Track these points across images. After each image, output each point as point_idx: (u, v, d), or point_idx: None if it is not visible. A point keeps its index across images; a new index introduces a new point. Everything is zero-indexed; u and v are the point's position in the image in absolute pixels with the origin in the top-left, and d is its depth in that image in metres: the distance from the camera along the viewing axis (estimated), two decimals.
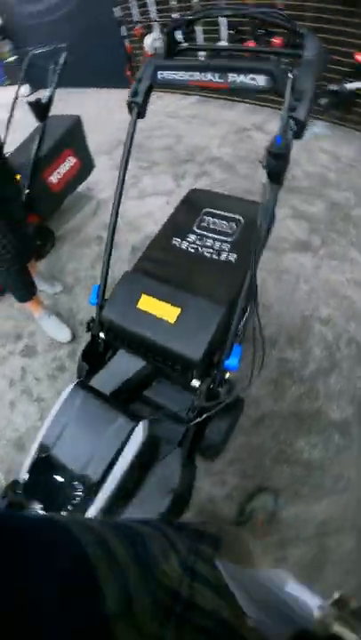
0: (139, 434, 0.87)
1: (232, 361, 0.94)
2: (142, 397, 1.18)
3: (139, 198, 2.46)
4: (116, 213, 1.11)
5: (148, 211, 2.33)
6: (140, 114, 1.08)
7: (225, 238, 1.22)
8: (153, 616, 0.30)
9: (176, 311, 0.99)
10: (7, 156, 2.01)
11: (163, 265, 1.18)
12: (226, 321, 0.96)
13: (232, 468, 1.27)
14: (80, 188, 2.44)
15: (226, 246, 1.20)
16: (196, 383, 0.99)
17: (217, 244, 1.21)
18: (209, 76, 0.92)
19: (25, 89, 4.31)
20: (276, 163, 0.81)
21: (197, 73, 0.93)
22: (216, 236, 1.23)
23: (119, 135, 3.02)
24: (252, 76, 0.86)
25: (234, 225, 1.26)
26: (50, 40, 1.90)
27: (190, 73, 0.95)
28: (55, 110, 1.99)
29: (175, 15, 2.85)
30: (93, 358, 1.21)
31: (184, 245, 1.23)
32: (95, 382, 1.13)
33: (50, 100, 1.79)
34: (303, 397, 1.36)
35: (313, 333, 1.53)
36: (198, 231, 1.26)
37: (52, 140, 1.97)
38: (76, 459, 0.88)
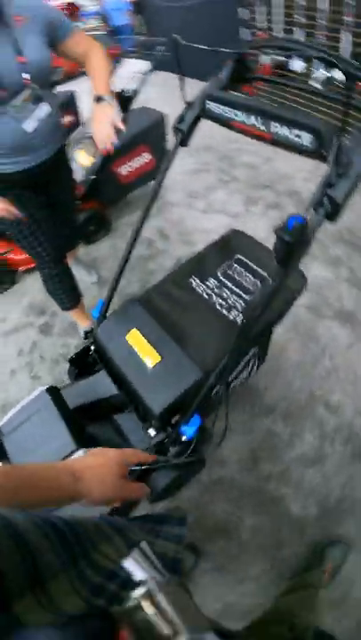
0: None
1: (188, 430, 0.97)
2: (112, 420, 1.27)
3: (204, 212, 2.52)
4: (133, 240, 1.15)
5: (208, 228, 2.38)
6: (183, 142, 1.06)
7: (243, 295, 1.24)
8: (75, 594, 0.34)
9: (157, 358, 1.04)
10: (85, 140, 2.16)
11: (170, 302, 1.23)
12: (199, 387, 0.99)
13: None
14: (149, 187, 2.56)
15: (239, 304, 1.21)
16: (151, 432, 1.05)
17: (232, 299, 1.23)
18: (252, 119, 0.83)
19: (146, 65, 4.56)
20: (285, 250, 0.72)
21: (241, 113, 0.85)
22: (235, 289, 1.25)
23: (208, 139, 3.08)
24: (296, 131, 0.76)
25: (259, 283, 1.26)
26: (174, 24, 1.95)
27: (235, 112, 0.87)
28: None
29: (297, 32, 2.79)
30: (81, 366, 1.32)
31: (200, 288, 1.26)
32: (72, 390, 1.24)
33: (134, 93, 1.88)
34: (272, 478, 1.34)
35: (314, 416, 1.49)
36: (221, 277, 1.29)
37: (131, 133, 2.10)
38: (19, 456, 0.99)
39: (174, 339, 1.09)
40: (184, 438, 1.02)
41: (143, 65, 4.53)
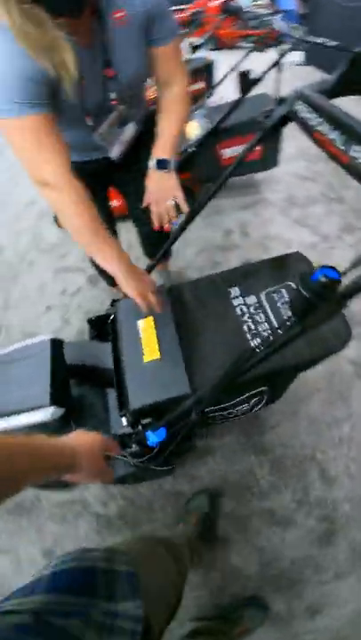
0: (44, 413, 1.00)
1: (151, 437, 0.95)
2: (103, 391, 1.29)
3: (294, 221, 2.35)
4: (186, 223, 1.08)
5: (291, 239, 2.22)
6: (265, 139, 0.96)
7: (275, 325, 1.14)
8: None
9: (156, 356, 1.02)
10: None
11: (199, 304, 1.18)
12: (178, 402, 0.95)
13: (113, 504, 1.32)
14: (253, 177, 2.45)
15: (266, 335, 1.12)
16: (123, 421, 1.04)
17: (262, 326, 1.14)
18: (335, 134, 0.70)
19: (298, 57, 4.29)
20: (301, 305, 0.61)
21: (326, 124, 0.73)
22: (271, 317, 1.15)
23: None
24: None
25: None
26: (335, 21, 1.76)
27: (321, 120, 0.74)
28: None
29: None
30: (99, 329, 1.34)
31: (236, 302, 1.18)
32: (78, 347, 1.27)
33: (259, 79, 1.75)
34: (229, 518, 1.29)
35: (304, 478, 1.36)
36: (262, 298, 1.19)
37: (245, 117, 1.97)
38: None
39: (183, 344, 1.05)
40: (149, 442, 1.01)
41: (297, 57, 4.32)
